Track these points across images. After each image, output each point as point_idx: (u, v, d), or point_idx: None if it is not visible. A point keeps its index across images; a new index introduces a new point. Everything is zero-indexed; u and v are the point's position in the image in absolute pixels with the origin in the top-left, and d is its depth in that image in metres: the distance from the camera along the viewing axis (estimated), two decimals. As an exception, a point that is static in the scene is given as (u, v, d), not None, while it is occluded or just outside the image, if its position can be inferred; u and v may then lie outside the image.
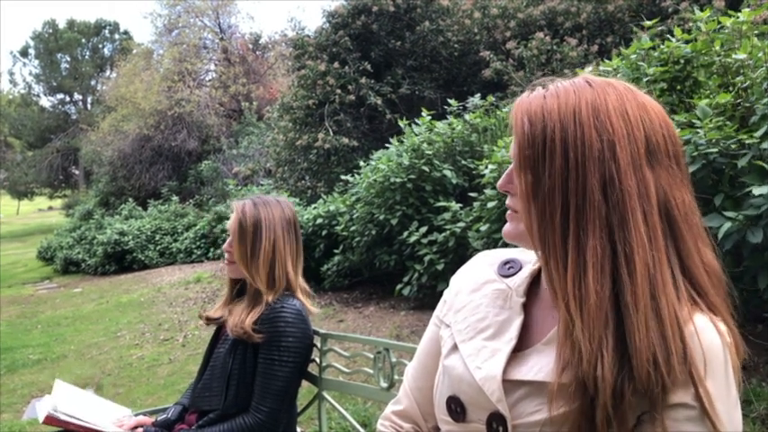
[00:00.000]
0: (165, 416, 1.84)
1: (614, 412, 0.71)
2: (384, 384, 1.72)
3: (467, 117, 5.68)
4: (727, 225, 2.49)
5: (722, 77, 3.25)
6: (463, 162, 5.47)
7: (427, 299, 5.27)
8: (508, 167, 0.87)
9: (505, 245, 0.93)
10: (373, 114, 9.12)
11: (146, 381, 4.88)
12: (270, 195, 1.88)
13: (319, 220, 6.49)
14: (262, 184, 11.04)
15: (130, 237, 12.37)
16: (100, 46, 34.65)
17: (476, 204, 4.53)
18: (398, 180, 5.31)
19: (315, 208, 6.93)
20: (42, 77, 33.74)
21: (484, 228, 4.18)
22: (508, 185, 0.86)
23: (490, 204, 4.20)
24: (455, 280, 1.02)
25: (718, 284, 0.79)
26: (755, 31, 3.28)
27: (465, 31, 9.18)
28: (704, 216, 2.59)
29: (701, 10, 3.69)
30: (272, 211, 1.78)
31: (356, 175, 6.30)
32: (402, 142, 5.74)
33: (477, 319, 0.91)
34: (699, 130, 2.77)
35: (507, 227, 0.87)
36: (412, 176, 5.33)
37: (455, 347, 0.90)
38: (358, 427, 1.92)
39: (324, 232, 6.47)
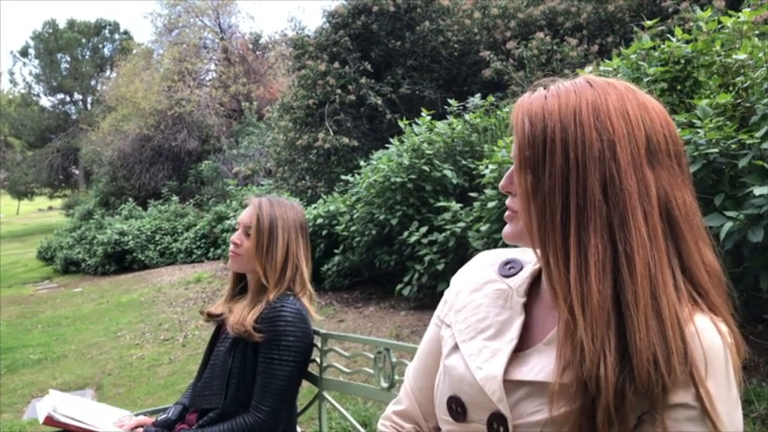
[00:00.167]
0: (165, 416, 1.84)
1: (616, 412, 0.71)
2: (384, 384, 1.72)
3: (467, 117, 5.68)
4: (728, 225, 2.49)
5: (723, 77, 3.25)
6: (463, 162, 5.47)
7: (427, 299, 5.27)
8: (510, 168, 0.87)
9: (506, 245, 0.93)
10: (373, 114, 9.12)
11: (146, 381, 4.88)
12: (283, 198, 1.90)
13: (319, 220, 6.49)
14: (262, 184, 11.05)
15: (130, 237, 12.37)
16: (100, 46, 34.64)
17: (476, 204, 4.53)
18: (399, 180, 5.31)
19: (315, 208, 6.93)
20: (42, 77, 33.73)
21: (484, 228, 4.18)
22: (509, 186, 0.87)
23: (490, 204, 4.20)
24: (456, 280, 1.02)
25: (719, 284, 0.79)
26: (756, 32, 3.28)
27: (465, 31, 9.18)
28: (705, 216, 2.59)
29: (702, 10, 3.68)
30: (287, 212, 1.81)
31: (356, 175, 6.30)
32: (402, 142, 5.74)
33: (478, 319, 0.91)
34: (699, 130, 2.76)
35: (507, 228, 0.88)
36: (412, 176, 5.33)
37: (456, 347, 0.90)
38: (358, 427, 1.92)
39: (324, 232, 6.47)
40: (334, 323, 5.45)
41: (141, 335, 6.47)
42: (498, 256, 1.00)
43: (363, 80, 8.81)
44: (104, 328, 7.12)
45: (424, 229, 5.09)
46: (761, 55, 2.99)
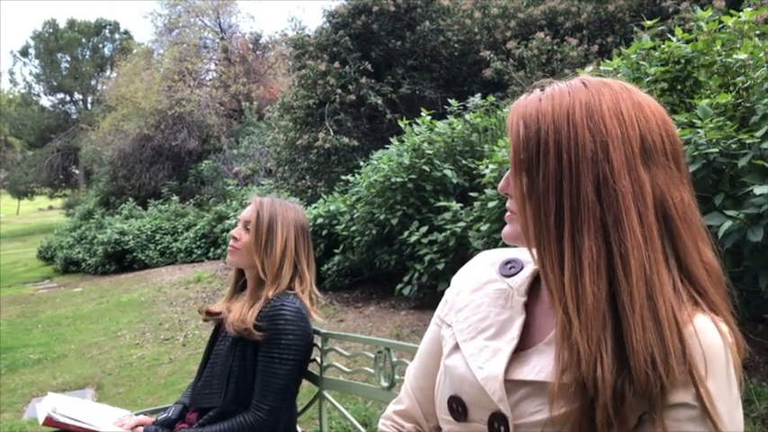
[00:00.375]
0: (165, 415, 1.84)
1: (615, 413, 0.71)
2: (385, 384, 1.72)
3: (467, 117, 5.68)
4: (728, 224, 2.49)
5: (723, 77, 3.25)
6: (464, 162, 5.47)
7: (427, 298, 5.27)
8: (508, 170, 0.88)
9: (506, 244, 0.93)
10: (374, 114, 9.12)
11: (146, 380, 4.88)
12: (286, 200, 1.93)
13: (320, 220, 6.49)
14: (262, 184, 11.05)
15: (131, 236, 12.37)
16: (100, 46, 34.63)
17: (476, 204, 4.53)
18: (399, 180, 5.31)
19: (315, 208, 6.93)
20: (42, 77, 33.73)
21: (484, 227, 4.18)
22: (507, 188, 0.87)
23: (491, 204, 4.20)
24: (456, 280, 1.02)
25: (718, 283, 0.79)
26: (757, 31, 3.28)
27: (465, 30, 9.18)
28: (704, 215, 2.60)
29: (703, 10, 3.68)
30: (287, 211, 1.83)
31: (356, 175, 6.30)
32: (402, 142, 5.74)
33: (479, 319, 0.91)
34: (699, 130, 2.76)
35: (506, 229, 0.88)
36: (412, 176, 5.33)
37: (456, 347, 0.90)
38: (359, 426, 1.92)
39: (324, 232, 6.47)
40: (334, 323, 5.45)
41: (141, 334, 6.47)
42: (499, 255, 1.00)
43: (363, 80, 8.81)
44: (104, 328, 7.12)
45: (424, 229, 5.09)
46: (761, 55, 2.99)
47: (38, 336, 7.22)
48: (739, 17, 3.22)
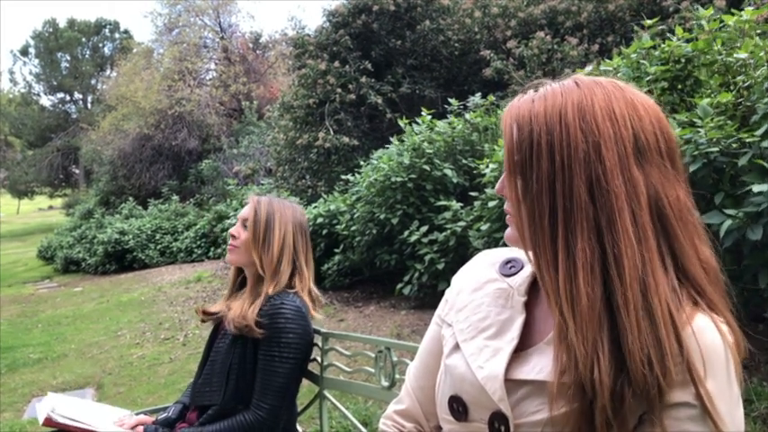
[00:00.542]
0: (165, 414, 1.84)
1: (614, 415, 0.70)
2: (385, 383, 1.72)
3: (467, 116, 5.67)
4: (728, 222, 2.49)
5: (723, 76, 3.25)
6: (464, 161, 5.47)
7: (428, 298, 5.27)
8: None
9: (506, 244, 0.93)
10: (374, 113, 9.12)
11: (146, 380, 4.89)
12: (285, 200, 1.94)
13: (320, 220, 6.49)
14: (262, 184, 11.05)
15: (131, 236, 12.37)
16: (100, 45, 34.62)
17: (476, 203, 4.53)
18: (399, 179, 5.31)
19: (315, 207, 6.93)
20: (42, 76, 33.72)
21: (485, 227, 4.18)
22: (503, 190, 0.87)
23: (491, 204, 4.20)
24: (456, 279, 1.02)
25: (716, 281, 0.78)
26: (757, 30, 3.28)
27: (465, 30, 9.18)
28: (704, 214, 2.59)
29: (704, 9, 3.68)
30: (285, 209, 1.85)
31: (357, 175, 6.30)
32: (402, 141, 5.74)
33: (479, 319, 0.91)
34: (700, 130, 2.76)
35: (507, 231, 0.88)
36: (412, 176, 5.33)
37: (457, 347, 0.90)
38: (359, 426, 1.92)
39: (324, 231, 6.47)
40: (334, 322, 5.45)
41: (141, 334, 6.47)
42: (499, 255, 1.00)
43: (364, 79, 8.81)
44: (105, 328, 7.12)
45: (424, 229, 5.09)
46: (762, 54, 2.99)
47: (38, 335, 7.22)
48: (740, 16, 3.22)
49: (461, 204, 5.02)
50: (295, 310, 1.72)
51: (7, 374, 5.54)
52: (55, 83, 33.24)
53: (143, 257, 12.14)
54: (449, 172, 5.31)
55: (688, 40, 3.43)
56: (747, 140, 2.62)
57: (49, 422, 1.63)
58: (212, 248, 11.41)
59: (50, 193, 32.18)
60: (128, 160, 17.19)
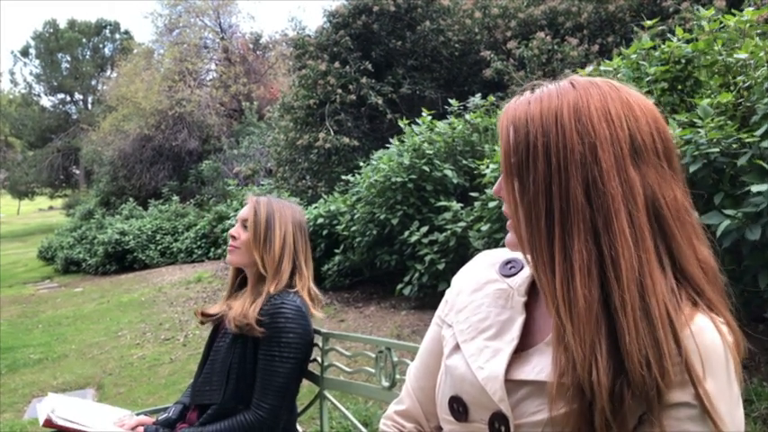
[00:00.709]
0: (166, 415, 1.84)
1: (613, 416, 0.70)
2: (386, 384, 1.72)
3: (467, 117, 5.68)
4: (726, 222, 2.49)
5: (724, 77, 3.25)
6: (464, 162, 5.47)
7: (428, 298, 5.27)
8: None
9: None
10: (374, 114, 9.12)
11: (147, 380, 4.89)
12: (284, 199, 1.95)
13: (320, 220, 6.49)
14: (262, 184, 11.05)
15: (131, 236, 12.37)
16: (100, 46, 34.65)
17: (477, 204, 4.53)
18: (399, 180, 5.31)
19: (316, 208, 6.93)
20: (43, 77, 33.75)
21: (485, 227, 4.18)
22: (501, 192, 0.87)
23: (491, 204, 4.20)
24: (456, 280, 1.02)
25: (715, 281, 0.78)
26: (758, 31, 3.29)
27: (466, 30, 9.18)
28: (704, 214, 2.59)
29: (704, 9, 3.68)
30: (284, 208, 1.85)
31: (357, 175, 6.30)
32: (403, 142, 5.74)
33: (479, 319, 0.91)
34: (700, 130, 2.76)
35: (508, 237, 0.87)
36: (413, 176, 5.33)
37: (457, 347, 0.90)
38: (359, 426, 1.92)
39: (325, 232, 6.47)
40: (334, 323, 5.45)
41: (142, 334, 6.47)
42: (499, 255, 1.00)
43: (364, 80, 8.81)
44: (105, 328, 7.12)
45: (424, 229, 5.09)
46: (762, 54, 2.99)
47: (38, 336, 7.22)
48: (741, 17, 3.22)
49: (462, 205, 5.02)
50: (295, 310, 1.72)
51: (8, 375, 5.54)
52: (55, 83, 33.26)
53: (143, 258, 12.15)
54: (449, 172, 5.31)
55: (688, 41, 3.43)
56: (747, 141, 2.62)
57: (48, 423, 1.63)
58: (212, 249, 11.42)
59: (51, 194, 32.20)
60: (128, 161, 17.19)
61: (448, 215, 4.98)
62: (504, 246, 0.96)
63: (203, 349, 1.91)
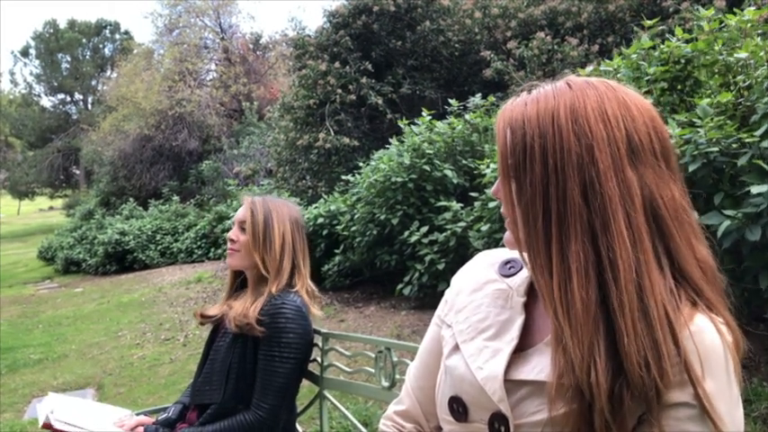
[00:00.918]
0: (165, 415, 1.84)
1: (612, 417, 0.70)
2: (385, 384, 1.72)
3: (467, 117, 5.68)
4: (726, 223, 2.49)
5: (724, 77, 3.25)
6: (464, 162, 5.47)
7: (428, 298, 5.27)
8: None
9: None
10: (374, 114, 9.12)
11: (147, 380, 4.89)
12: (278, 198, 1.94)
13: (320, 220, 6.49)
14: (262, 184, 11.05)
15: (131, 237, 12.38)
16: (101, 46, 34.67)
17: (476, 204, 4.53)
18: (399, 180, 5.31)
19: (316, 208, 6.93)
20: (43, 77, 33.77)
21: (485, 227, 4.18)
22: (499, 192, 0.87)
23: (491, 204, 4.20)
24: (456, 280, 1.02)
25: (713, 280, 0.78)
26: (758, 30, 3.29)
27: (466, 30, 9.18)
28: (704, 214, 2.59)
29: (704, 9, 3.68)
30: (280, 207, 1.84)
31: (357, 175, 6.30)
32: (402, 142, 5.74)
33: (479, 319, 0.91)
34: (699, 130, 2.76)
35: (506, 235, 0.87)
36: (413, 176, 5.33)
37: (457, 347, 0.90)
38: (359, 426, 1.92)
39: (325, 232, 6.47)
40: (334, 323, 5.45)
41: (142, 335, 6.47)
42: (498, 255, 1.00)
43: (364, 80, 8.81)
44: (105, 328, 7.13)
45: (424, 229, 5.09)
46: (762, 54, 2.99)
47: (38, 336, 7.22)
48: (742, 16, 3.22)
49: (461, 205, 5.02)
50: (296, 310, 1.72)
51: (8, 375, 5.54)
52: (55, 84, 33.28)
53: (143, 258, 12.15)
54: (449, 172, 5.31)
55: (688, 41, 3.43)
56: (747, 140, 2.62)
57: (48, 426, 1.62)
58: (213, 249, 11.42)
59: (51, 194, 32.23)
60: (128, 161, 17.20)
61: (448, 215, 4.98)
62: (503, 245, 0.96)
63: (203, 349, 1.91)
